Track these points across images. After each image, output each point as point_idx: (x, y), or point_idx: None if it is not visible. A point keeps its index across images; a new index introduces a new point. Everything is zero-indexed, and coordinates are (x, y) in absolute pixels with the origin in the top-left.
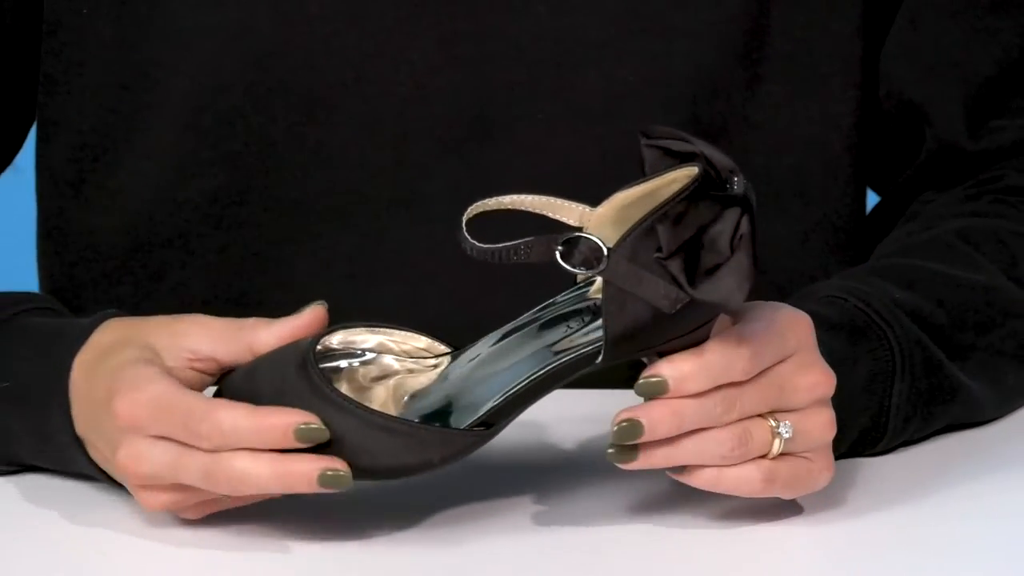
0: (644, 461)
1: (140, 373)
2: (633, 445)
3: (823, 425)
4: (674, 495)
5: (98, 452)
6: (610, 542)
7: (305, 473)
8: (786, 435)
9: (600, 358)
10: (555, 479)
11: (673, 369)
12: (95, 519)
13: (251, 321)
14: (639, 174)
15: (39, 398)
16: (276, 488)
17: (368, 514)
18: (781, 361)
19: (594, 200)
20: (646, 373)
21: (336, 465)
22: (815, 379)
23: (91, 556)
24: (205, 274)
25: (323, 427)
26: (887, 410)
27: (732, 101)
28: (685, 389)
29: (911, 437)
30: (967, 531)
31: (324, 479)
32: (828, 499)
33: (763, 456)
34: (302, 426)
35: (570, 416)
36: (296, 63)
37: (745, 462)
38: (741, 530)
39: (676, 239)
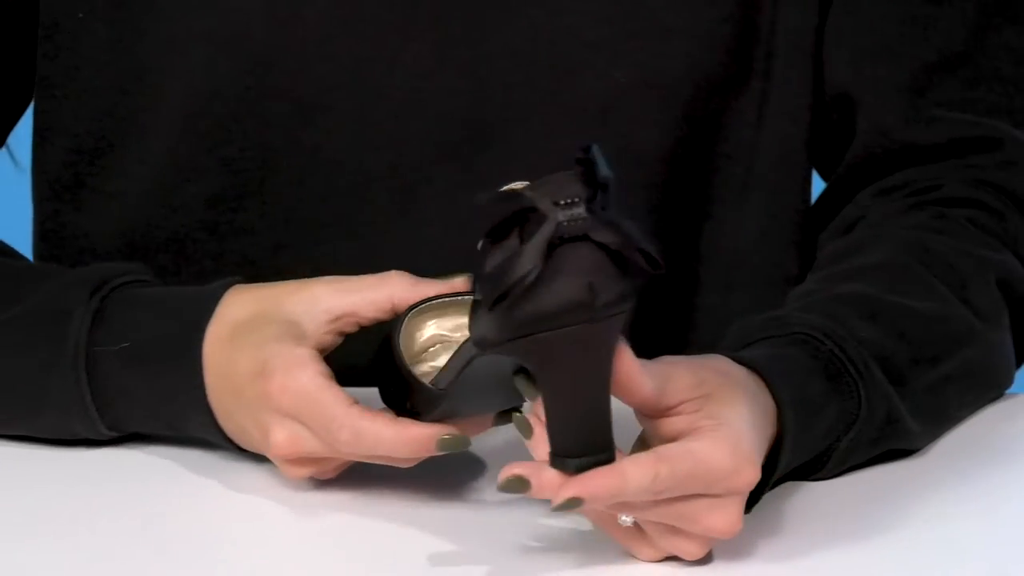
0: None
1: (288, 356)
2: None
3: (688, 552)
4: None
5: (233, 423)
6: (600, 542)
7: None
8: (624, 523)
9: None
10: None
11: (588, 491)
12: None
13: (391, 274)
14: (636, 173)
15: (164, 358)
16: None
17: (352, 518)
18: (699, 495)
19: None
20: (563, 492)
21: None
22: (720, 526)
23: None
24: (200, 280)
25: (465, 436)
26: (831, 451)
27: (726, 99)
28: (596, 505)
29: (846, 470)
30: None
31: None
32: (828, 498)
33: None
34: (445, 436)
35: None
36: (291, 68)
37: None
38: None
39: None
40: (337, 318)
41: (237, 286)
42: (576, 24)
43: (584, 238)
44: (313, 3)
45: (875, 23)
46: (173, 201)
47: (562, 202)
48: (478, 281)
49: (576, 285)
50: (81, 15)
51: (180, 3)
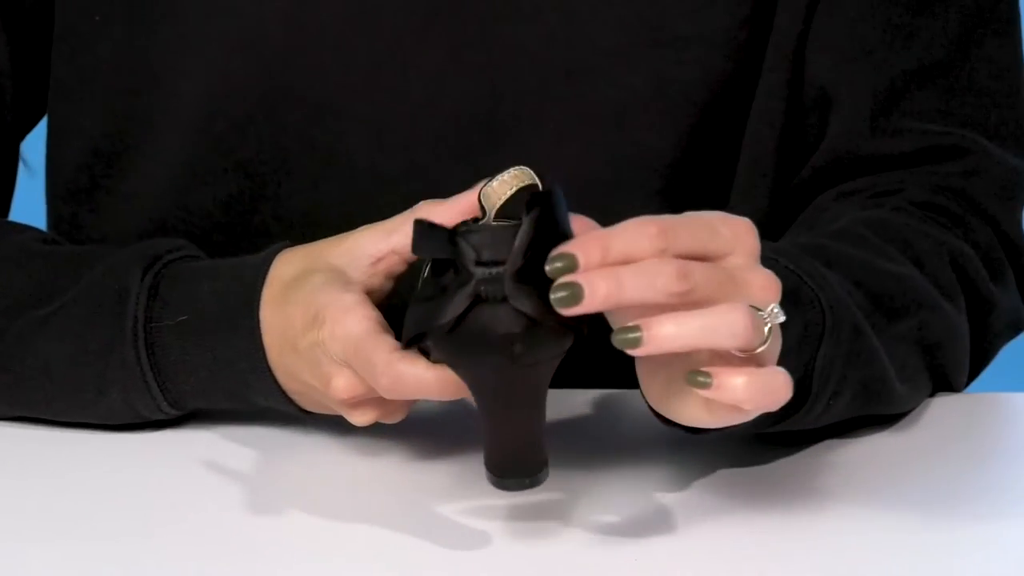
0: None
1: (336, 303)
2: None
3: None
4: (667, 500)
5: (297, 383)
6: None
7: None
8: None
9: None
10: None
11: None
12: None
13: (420, 206)
14: (648, 180)
15: (223, 325)
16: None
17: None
18: (727, 255)
19: (602, 209)
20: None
21: None
22: (762, 281)
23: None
24: None
25: None
26: (811, 372)
27: (739, 105)
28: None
29: (829, 401)
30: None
31: None
32: (822, 494)
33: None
34: None
35: (568, 416)
36: (307, 70)
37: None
38: (731, 527)
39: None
40: (380, 259)
41: (287, 249)
42: (592, 30)
43: (504, 300)
44: (329, 5)
45: (858, 29)
46: (188, 203)
47: (485, 259)
48: (409, 307)
49: (494, 341)
50: (97, 18)
51: (196, 5)
